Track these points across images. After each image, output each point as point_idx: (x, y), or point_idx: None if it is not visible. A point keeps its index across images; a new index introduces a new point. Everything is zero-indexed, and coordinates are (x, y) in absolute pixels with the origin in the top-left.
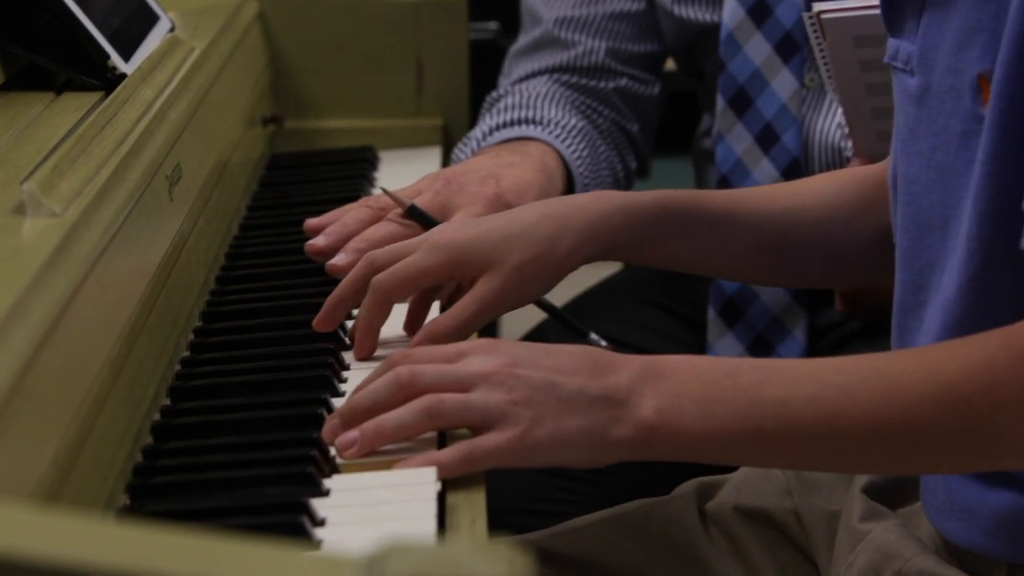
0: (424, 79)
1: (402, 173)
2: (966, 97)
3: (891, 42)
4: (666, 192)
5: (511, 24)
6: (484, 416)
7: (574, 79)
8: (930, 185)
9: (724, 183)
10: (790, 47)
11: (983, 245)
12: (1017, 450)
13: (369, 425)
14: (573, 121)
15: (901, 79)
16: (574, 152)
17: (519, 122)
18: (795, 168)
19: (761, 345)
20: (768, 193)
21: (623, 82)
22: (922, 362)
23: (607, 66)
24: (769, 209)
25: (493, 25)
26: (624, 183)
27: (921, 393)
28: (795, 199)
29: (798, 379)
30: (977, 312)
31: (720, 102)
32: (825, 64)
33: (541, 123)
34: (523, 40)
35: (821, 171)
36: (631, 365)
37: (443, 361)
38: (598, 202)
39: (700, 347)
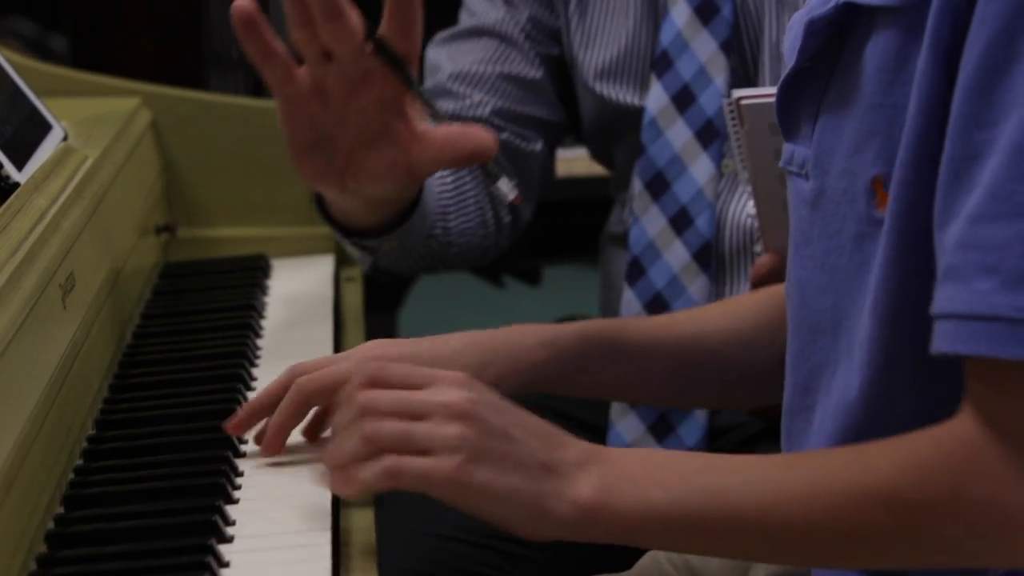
0: None
1: (296, 282)
2: (860, 200)
3: (786, 147)
4: (590, 324)
5: None
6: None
7: None
8: (823, 288)
9: (635, 265)
10: (710, 134)
11: (883, 347)
12: (946, 548)
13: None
14: None
15: (796, 184)
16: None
17: None
18: (706, 251)
19: (662, 425)
20: (691, 318)
21: (504, 136)
22: (856, 459)
23: (491, 121)
24: (692, 334)
25: None
26: (494, 230)
27: (853, 489)
28: (718, 323)
29: (736, 469)
30: (880, 412)
31: (637, 185)
32: (740, 152)
33: None
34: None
35: (732, 253)
36: (580, 445)
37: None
38: (523, 336)
39: None
